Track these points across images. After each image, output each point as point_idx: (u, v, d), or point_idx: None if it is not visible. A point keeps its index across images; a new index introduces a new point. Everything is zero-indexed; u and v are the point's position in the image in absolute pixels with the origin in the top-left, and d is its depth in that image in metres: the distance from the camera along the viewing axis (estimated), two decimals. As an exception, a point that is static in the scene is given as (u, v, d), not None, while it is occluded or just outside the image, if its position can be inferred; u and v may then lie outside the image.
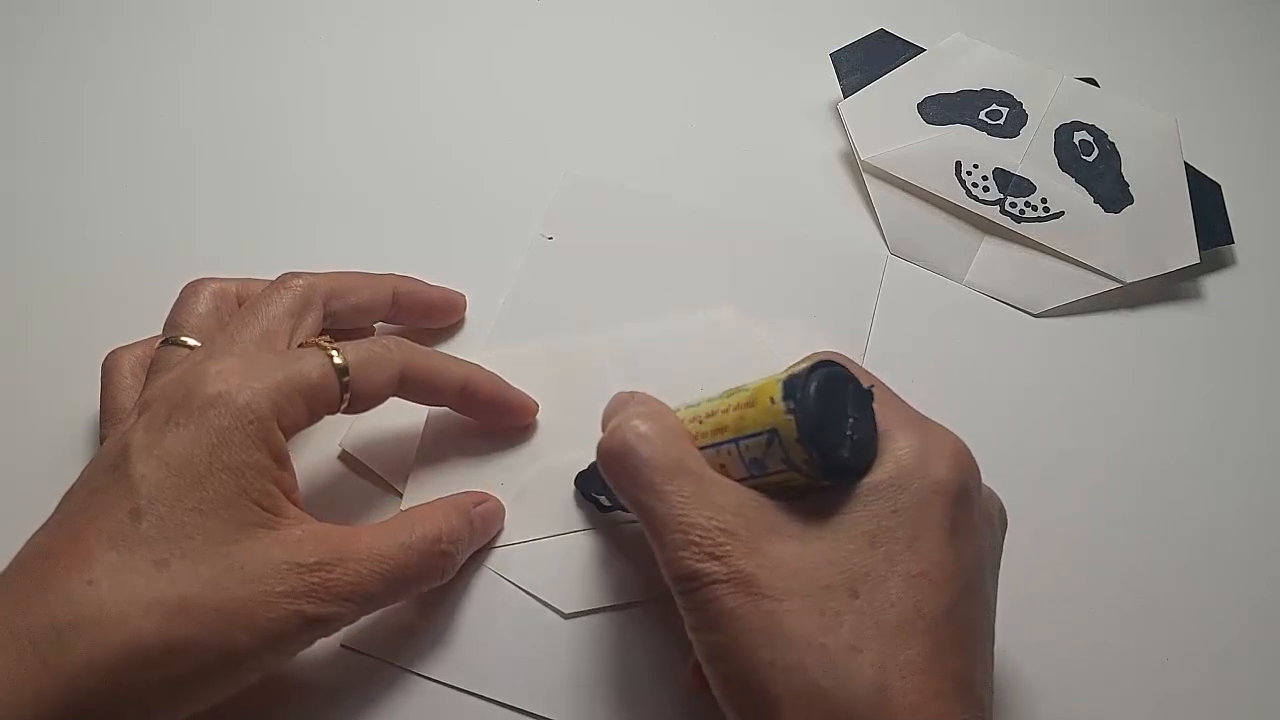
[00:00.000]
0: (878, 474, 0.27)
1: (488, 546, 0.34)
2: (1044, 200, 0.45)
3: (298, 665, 0.31)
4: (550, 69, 0.50)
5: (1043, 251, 0.44)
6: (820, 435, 0.26)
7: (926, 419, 0.29)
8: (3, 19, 0.49)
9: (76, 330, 0.39)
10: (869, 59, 0.48)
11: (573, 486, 0.35)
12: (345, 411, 0.31)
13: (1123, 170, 0.46)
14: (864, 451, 0.28)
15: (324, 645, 0.31)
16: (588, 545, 0.34)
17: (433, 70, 0.49)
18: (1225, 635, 0.35)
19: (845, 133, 0.47)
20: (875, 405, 0.28)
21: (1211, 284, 0.45)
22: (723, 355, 0.39)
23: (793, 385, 0.27)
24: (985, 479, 0.38)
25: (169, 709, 0.26)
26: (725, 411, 0.29)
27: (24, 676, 0.24)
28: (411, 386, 0.33)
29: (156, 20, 0.50)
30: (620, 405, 0.32)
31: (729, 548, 0.26)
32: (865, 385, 0.28)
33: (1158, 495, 0.39)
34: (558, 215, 0.44)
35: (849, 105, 0.47)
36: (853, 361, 0.30)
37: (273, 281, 0.33)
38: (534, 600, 0.33)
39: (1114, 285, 0.43)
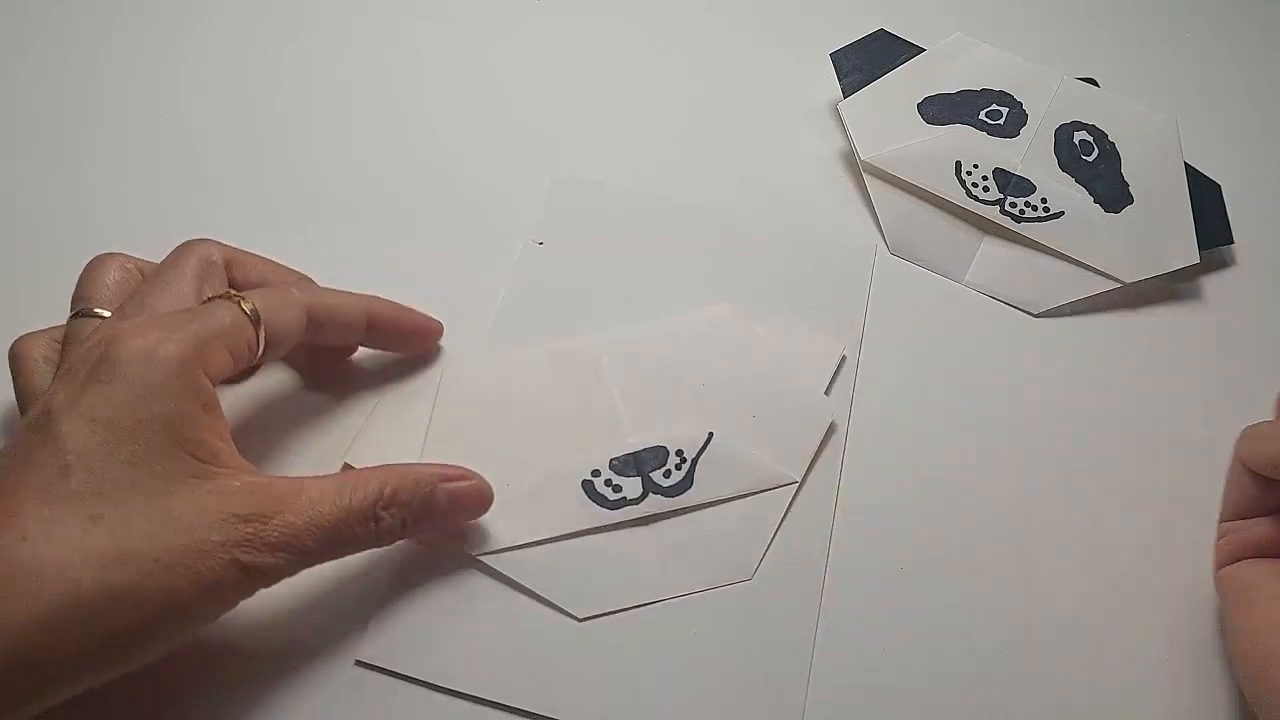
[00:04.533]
0: None
1: (499, 549, 0.34)
2: (1044, 200, 0.45)
3: (309, 685, 0.31)
4: (549, 69, 0.50)
5: (1043, 251, 0.44)
6: None
7: None
8: (3, 19, 0.49)
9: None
10: (869, 59, 0.48)
11: (576, 487, 0.35)
12: (263, 358, 0.32)
13: (1123, 170, 0.46)
14: None
15: (336, 663, 0.32)
16: (598, 546, 0.34)
17: (433, 70, 0.49)
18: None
19: (845, 133, 0.47)
20: None
21: (1211, 284, 0.45)
22: (721, 352, 0.39)
23: None
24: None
25: (114, 661, 0.26)
26: None
27: None
28: (321, 325, 0.34)
29: (157, 20, 0.50)
30: None
31: None
32: None
33: (1158, 495, 0.39)
34: (550, 217, 0.44)
35: (849, 105, 0.47)
36: None
37: (175, 248, 0.34)
38: (547, 605, 0.33)
39: (1114, 285, 0.43)
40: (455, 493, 0.33)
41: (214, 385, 0.29)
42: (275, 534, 0.28)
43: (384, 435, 0.36)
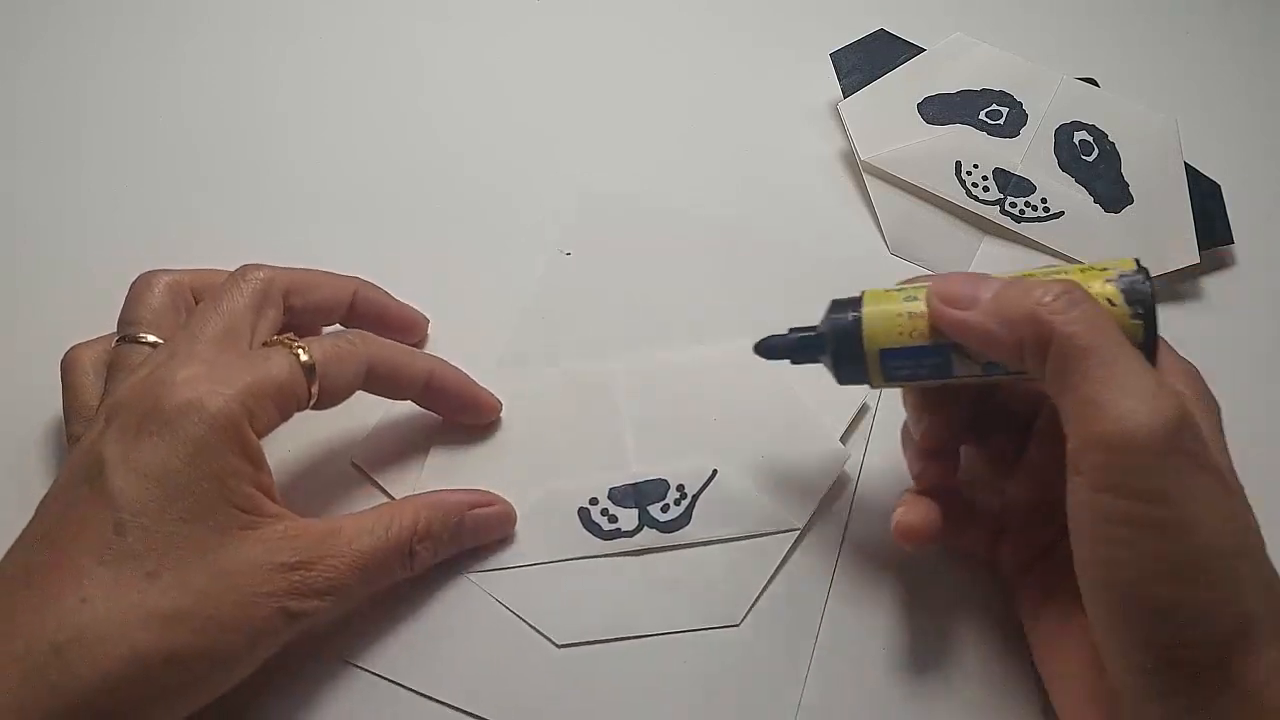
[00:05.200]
0: (1190, 407, 0.27)
1: (487, 568, 0.34)
2: (1044, 200, 0.45)
3: (300, 679, 0.32)
4: (549, 69, 0.50)
5: (1043, 251, 0.44)
6: (1154, 336, 0.28)
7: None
8: (3, 19, 0.49)
9: (76, 332, 0.39)
10: (869, 59, 0.48)
11: (572, 514, 0.35)
12: (314, 407, 0.31)
13: (1123, 170, 0.46)
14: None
15: (328, 661, 0.32)
16: (586, 574, 0.34)
17: (433, 70, 0.49)
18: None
19: (845, 133, 0.47)
20: None
21: (1211, 284, 0.45)
22: (739, 388, 0.38)
23: (1135, 292, 0.28)
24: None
25: (167, 713, 0.27)
26: None
27: (29, 699, 0.24)
28: (377, 381, 0.33)
29: (157, 20, 0.50)
30: (974, 283, 0.29)
31: (1199, 431, 0.26)
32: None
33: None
34: (576, 230, 0.43)
35: (849, 105, 0.47)
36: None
37: (232, 274, 0.33)
38: (527, 626, 0.33)
39: (1114, 285, 0.43)
40: (481, 518, 0.34)
41: (261, 438, 0.29)
42: (321, 579, 0.28)
43: (392, 439, 0.36)
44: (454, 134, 0.47)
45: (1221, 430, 0.29)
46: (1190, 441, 0.25)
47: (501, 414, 0.37)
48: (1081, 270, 0.29)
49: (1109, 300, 0.28)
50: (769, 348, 0.34)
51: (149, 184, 0.44)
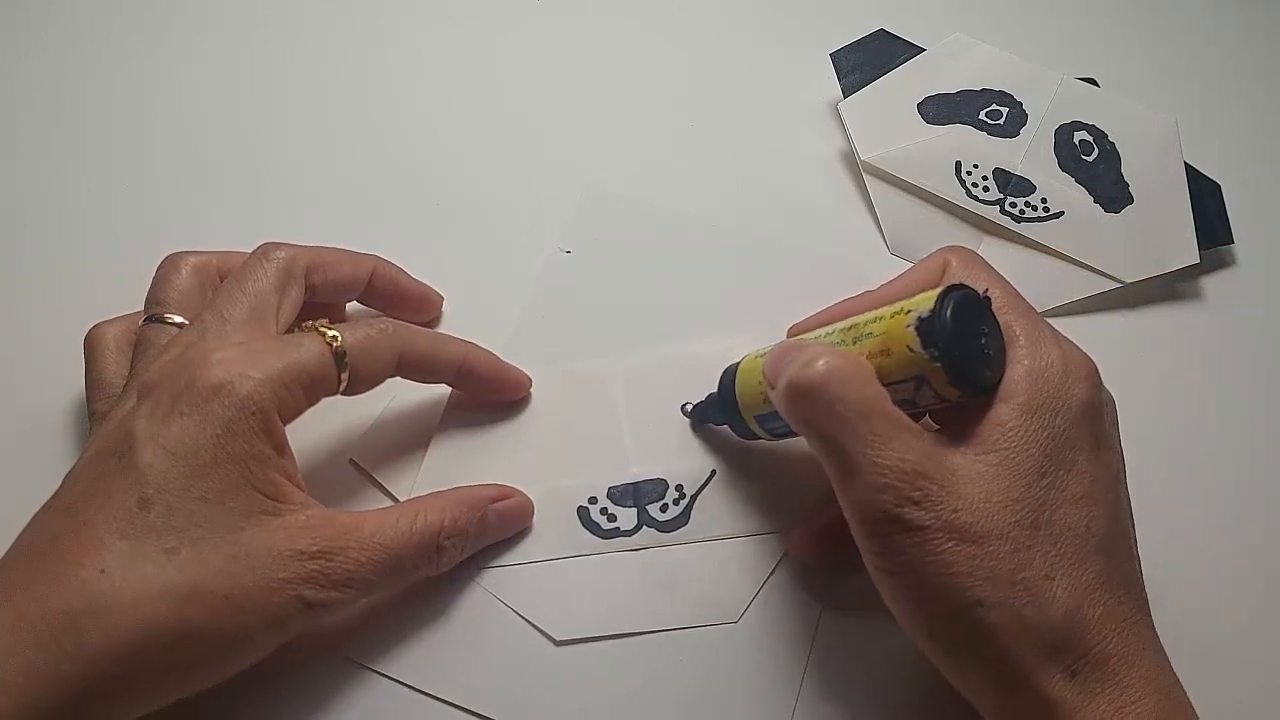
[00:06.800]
0: (1027, 398, 0.28)
1: (486, 566, 0.34)
2: (1044, 200, 0.45)
3: (299, 673, 0.32)
4: (549, 69, 0.50)
5: (1043, 251, 0.44)
6: (968, 370, 0.27)
7: (1051, 330, 0.30)
8: (3, 19, 0.50)
9: (77, 330, 0.39)
10: (869, 59, 0.48)
11: (571, 513, 0.35)
12: (344, 393, 0.32)
13: (1123, 170, 0.46)
14: (999, 361, 0.29)
15: (327, 655, 0.32)
16: (585, 572, 0.34)
17: (433, 71, 0.49)
18: (1220, 635, 0.35)
19: (845, 133, 0.47)
20: (998, 311, 0.30)
21: (1211, 284, 0.45)
22: None
23: (929, 331, 0.27)
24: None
25: (176, 688, 0.27)
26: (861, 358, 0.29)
27: (44, 663, 0.25)
28: (409, 368, 0.33)
29: (157, 20, 0.50)
30: (788, 351, 0.30)
31: (929, 491, 0.27)
32: (982, 293, 0.29)
33: (1156, 495, 0.38)
34: (576, 229, 0.43)
35: (849, 105, 0.47)
36: (974, 256, 0.32)
37: (253, 253, 0.33)
38: (526, 623, 0.33)
39: (1114, 285, 0.43)
40: (503, 511, 0.34)
41: (286, 424, 0.29)
42: (340, 570, 0.28)
43: (390, 437, 0.36)
44: (454, 133, 0.47)
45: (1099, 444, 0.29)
46: (913, 515, 0.27)
47: (500, 412, 0.37)
48: (893, 315, 0.28)
49: (909, 347, 0.27)
50: (697, 414, 0.37)
51: (149, 184, 0.44)
